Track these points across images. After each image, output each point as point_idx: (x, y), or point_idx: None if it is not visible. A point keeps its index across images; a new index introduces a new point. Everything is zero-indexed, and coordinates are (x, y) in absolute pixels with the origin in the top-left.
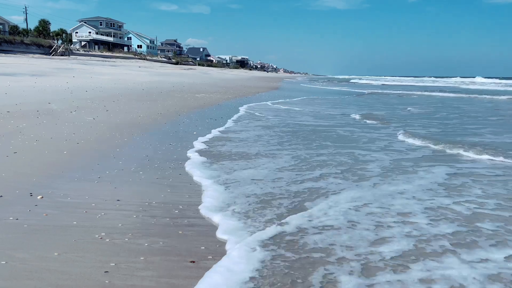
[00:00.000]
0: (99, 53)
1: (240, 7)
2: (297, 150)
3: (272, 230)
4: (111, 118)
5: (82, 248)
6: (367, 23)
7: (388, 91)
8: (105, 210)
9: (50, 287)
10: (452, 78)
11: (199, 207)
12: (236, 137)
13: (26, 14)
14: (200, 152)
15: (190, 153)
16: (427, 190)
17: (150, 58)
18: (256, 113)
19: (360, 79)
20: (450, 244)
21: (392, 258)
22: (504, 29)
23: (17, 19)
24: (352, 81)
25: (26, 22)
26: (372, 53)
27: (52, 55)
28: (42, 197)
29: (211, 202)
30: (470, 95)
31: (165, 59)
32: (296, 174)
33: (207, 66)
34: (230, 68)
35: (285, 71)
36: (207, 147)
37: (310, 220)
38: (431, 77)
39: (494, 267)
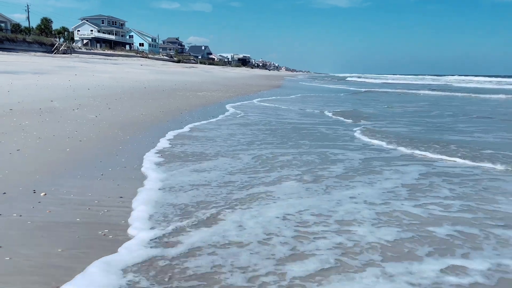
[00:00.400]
0: (101, 51)
1: (241, 5)
2: (265, 150)
3: (148, 252)
4: (114, 116)
5: (85, 244)
6: (369, 21)
7: (385, 90)
8: (108, 207)
9: (54, 283)
10: (455, 76)
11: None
12: (204, 136)
13: (28, 12)
14: (161, 152)
15: (150, 153)
16: (387, 193)
17: (152, 56)
18: (238, 111)
19: (359, 77)
20: (380, 255)
21: (297, 278)
22: (508, 28)
23: (19, 17)
24: (352, 79)
25: (28, 20)
26: (374, 51)
27: (54, 53)
28: (45, 194)
29: (137, 213)
30: (472, 94)
31: (167, 57)
32: (248, 177)
33: (208, 64)
34: (232, 66)
35: (287, 69)
36: (171, 145)
37: (212, 236)
38: (433, 75)
39: (419, 281)
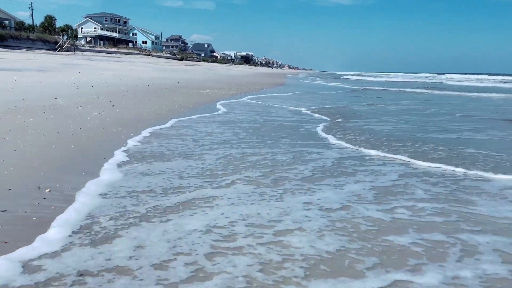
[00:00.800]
0: (105, 49)
1: (245, 3)
2: (236, 149)
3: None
4: (117, 114)
5: None
6: (372, 19)
7: (382, 88)
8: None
9: None
10: (468, 75)
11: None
12: (179, 134)
13: (32, 9)
14: (128, 152)
15: (118, 152)
16: (352, 196)
17: (155, 54)
18: (225, 108)
19: (359, 75)
20: (308, 270)
21: None
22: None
23: (23, 15)
24: (354, 77)
25: (32, 18)
26: (378, 49)
27: (58, 51)
28: (50, 190)
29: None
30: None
31: (170, 55)
32: (201, 182)
33: (211, 62)
34: (234, 64)
35: (289, 67)
36: (140, 143)
37: (93, 259)
38: (438, 73)
39: None
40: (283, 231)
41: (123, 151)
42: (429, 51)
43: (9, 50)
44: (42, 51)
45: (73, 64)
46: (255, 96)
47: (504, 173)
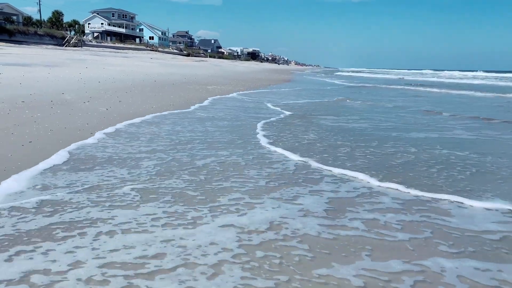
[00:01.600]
0: (111, 45)
1: None
2: (187, 152)
3: None
4: (124, 109)
5: None
6: (380, 15)
7: (380, 85)
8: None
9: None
10: (480, 72)
11: None
12: (136, 133)
13: (39, 5)
14: (72, 152)
15: (62, 151)
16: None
17: (161, 49)
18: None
19: (360, 71)
20: None
21: None
22: None
23: (31, 10)
24: (358, 74)
25: (40, 13)
26: (385, 46)
27: (65, 46)
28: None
29: None
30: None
31: (176, 51)
32: (97, 198)
33: (218, 58)
34: (241, 60)
35: (296, 63)
36: (97, 141)
37: None
38: (447, 70)
39: None
40: (154, 272)
41: (68, 151)
42: (438, 48)
43: (17, 45)
44: (50, 46)
45: (80, 59)
46: (261, 90)
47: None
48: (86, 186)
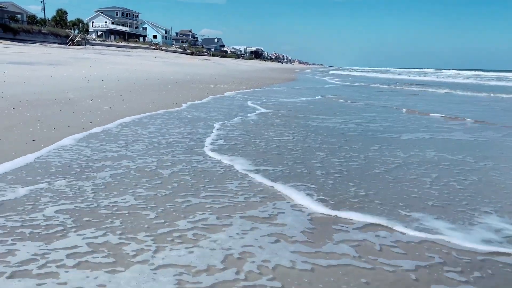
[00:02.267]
0: (115, 43)
1: None
2: (156, 157)
3: None
4: (128, 108)
5: None
6: (385, 14)
7: (378, 84)
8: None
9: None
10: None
11: None
12: (124, 134)
13: (43, 3)
14: (41, 158)
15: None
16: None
17: (165, 48)
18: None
19: (360, 70)
20: None
21: None
22: None
23: (35, 9)
24: (358, 73)
25: (44, 12)
26: (389, 45)
27: (69, 45)
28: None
29: None
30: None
31: (180, 50)
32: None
33: (221, 56)
34: (244, 59)
35: (299, 62)
36: (82, 140)
37: None
38: (452, 69)
39: None
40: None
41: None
42: (449, 47)
43: (21, 43)
44: (54, 45)
45: (84, 58)
46: (265, 89)
47: None
48: None
